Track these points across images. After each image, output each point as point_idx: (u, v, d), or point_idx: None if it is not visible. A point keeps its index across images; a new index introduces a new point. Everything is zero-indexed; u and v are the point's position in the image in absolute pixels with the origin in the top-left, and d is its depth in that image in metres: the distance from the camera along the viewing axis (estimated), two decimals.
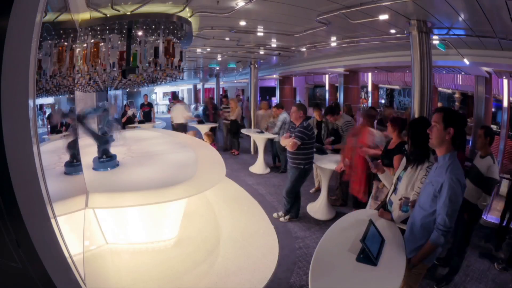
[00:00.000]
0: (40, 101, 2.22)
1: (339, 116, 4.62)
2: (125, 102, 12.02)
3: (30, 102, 1.09)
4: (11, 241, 1.08)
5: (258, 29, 4.64)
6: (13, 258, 1.10)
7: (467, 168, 3.11)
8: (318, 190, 4.87)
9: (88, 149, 3.13)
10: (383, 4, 3.02)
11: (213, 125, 7.71)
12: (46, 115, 2.37)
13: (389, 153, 2.94)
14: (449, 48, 4.77)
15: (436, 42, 4.38)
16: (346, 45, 5.68)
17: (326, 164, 4.00)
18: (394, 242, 1.88)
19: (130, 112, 7.95)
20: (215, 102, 9.61)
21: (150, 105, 8.66)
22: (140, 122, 8.22)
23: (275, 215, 4.01)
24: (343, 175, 3.95)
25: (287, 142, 3.65)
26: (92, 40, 3.25)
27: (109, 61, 3.21)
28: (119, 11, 3.10)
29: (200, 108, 11.39)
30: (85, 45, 3.26)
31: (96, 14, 3.09)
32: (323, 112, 5.15)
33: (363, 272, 1.60)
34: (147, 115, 8.43)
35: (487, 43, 4.40)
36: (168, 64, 3.47)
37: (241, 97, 13.57)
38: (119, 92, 12.12)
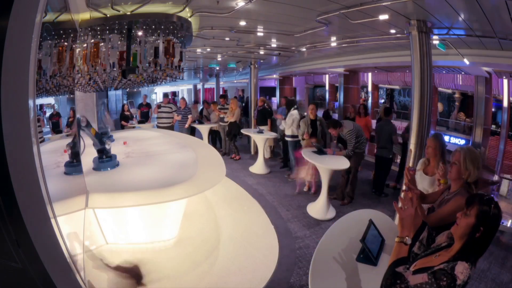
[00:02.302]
0: (40, 101, 2.22)
1: (342, 127, 4.55)
2: (124, 102, 11.98)
3: (30, 102, 1.09)
4: (11, 241, 1.08)
5: (258, 29, 4.64)
6: (13, 258, 1.10)
7: None
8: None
9: (88, 149, 3.13)
10: (383, 4, 3.02)
11: (213, 125, 7.70)
12: (47, 115, 2.36)
13: None
14: (449, 48, 4.77)
15: (436, 42, 4.38)
16: (346, 45, 5.68)
17: (326, 164, 4.00)
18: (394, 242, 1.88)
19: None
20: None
21: (148, 106, 8.64)
22: (140, 122, 8.19)
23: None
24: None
25: None
26: (92, 40, 3.25)
27: (109, 61, 3.21)
28: (119, 11, 3.10)
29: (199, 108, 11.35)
30: (85, 45, 3.26)
31: (96, 14, 3.09)
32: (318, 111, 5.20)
33: (364, 272, 1.60)
34: (145, 115, 8.41)
35: (487, 43, 4.40)
36: (168, 64, 3.47)
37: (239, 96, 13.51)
38: (119, 92, 12.09)
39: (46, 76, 1.98)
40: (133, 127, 7.59)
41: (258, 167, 6.09)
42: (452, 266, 1.24)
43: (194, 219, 3.74)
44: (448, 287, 1.19)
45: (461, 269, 1.24)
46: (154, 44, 3.43)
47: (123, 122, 7.87)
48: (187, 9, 3.35)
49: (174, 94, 23.42)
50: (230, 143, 7.11)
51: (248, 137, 7.89)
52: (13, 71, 1.02)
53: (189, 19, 3.66)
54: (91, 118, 4.99)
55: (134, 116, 8.32)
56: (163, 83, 4.24)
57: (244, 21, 4.05)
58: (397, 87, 11.87)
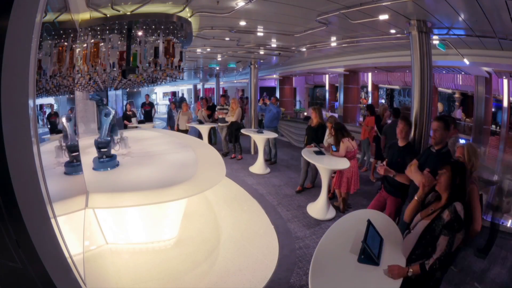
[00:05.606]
0: (40, 101, 2.22)
1: None
2: (125, 102, 11.97)
3: (30, 102, 1.09)
4: (11, 241, 1.08)
5: (258, 29, 4.64)
6: (13, 258, 1.10)
7: None
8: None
9: (88, 149, 3.13)
10: (383, 4, 3.02)
11: (213, 125, 7.70)
12: (46, 115, 2.37)
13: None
14: (449, 48, 4.77)
15: (436, 42, 4.38)
16: (346, 45, 5.68)
17: (326, 164, 4.00)
18: (393, 241, 1.89)
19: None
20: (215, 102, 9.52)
21: (151, 105, 8.64)
22: (140, 122, 8.19)
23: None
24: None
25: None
26: (92, 40, 3.25)
27: (109, 61, 3.21)
28: (119, 11, 3.10)
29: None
30: (85, 45, 3.26)
31: (96, 14, 3.09)
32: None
33: (365, 272, 1.60)
34: (148, 115, 8.41)
35: (487, 43, 4.40)
36: (168, 64, 3.47)
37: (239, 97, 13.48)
38: (119, 92, 12.09)
39: (46, 76, 1.98)
40: (136, 127, 7.60)
41: (258, 167, 6.09)
42: (453, 208, 1.59)
43: (194, 219, 3.74)
44: (460, 226, 1.56)
45: (460, 208, 1.60)
46: (154, 44, 3.43)
47: (125, 122, 7.89)
48: (187, 9, 3.35)
49: (174, 94, 23.41)
50: (231, 143, 7.09)
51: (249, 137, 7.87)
52: (13, 71, 1.02)
53: (189, 19, 3.66)
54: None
55: (137, 115, 8.30)
56: (163, 83, 4.24)
57: (244, 21, 4.05)
58: (397, 87, 11.88)
